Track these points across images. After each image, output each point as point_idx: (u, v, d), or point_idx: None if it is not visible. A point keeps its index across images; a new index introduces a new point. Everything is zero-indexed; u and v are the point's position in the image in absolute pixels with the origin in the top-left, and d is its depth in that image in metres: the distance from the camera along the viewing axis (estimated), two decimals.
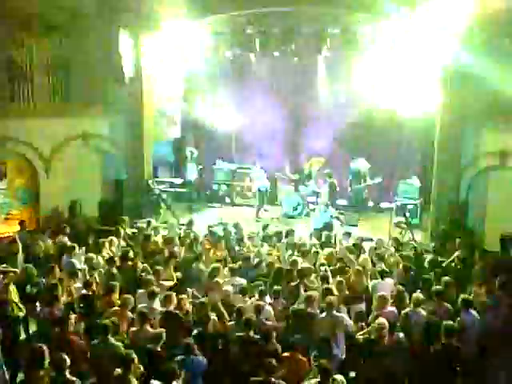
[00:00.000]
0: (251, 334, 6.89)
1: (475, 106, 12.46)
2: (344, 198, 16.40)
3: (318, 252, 10.26)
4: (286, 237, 11.47)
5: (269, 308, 7.72)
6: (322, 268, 9.18)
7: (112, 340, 6.46)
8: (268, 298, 8.12)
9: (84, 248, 10.34)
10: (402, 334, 7.02)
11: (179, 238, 11.53)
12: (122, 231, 11.73)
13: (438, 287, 8.08)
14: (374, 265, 9.78)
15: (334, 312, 7.35)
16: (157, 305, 7.62)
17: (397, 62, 14.85)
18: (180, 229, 12.86)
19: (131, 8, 13.94)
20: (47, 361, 5.68)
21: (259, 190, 16.13)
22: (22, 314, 7.58)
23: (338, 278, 8.66)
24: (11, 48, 12.75)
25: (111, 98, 14.73)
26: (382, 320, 6.95)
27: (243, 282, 8.77)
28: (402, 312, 7.59)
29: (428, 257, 10.64)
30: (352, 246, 10.76)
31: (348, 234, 11.74)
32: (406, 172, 16.34)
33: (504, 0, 11.61)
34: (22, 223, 11.87)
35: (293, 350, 6.57)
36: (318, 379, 5.91)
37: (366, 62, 15.20)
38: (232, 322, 7.37)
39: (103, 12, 13.39)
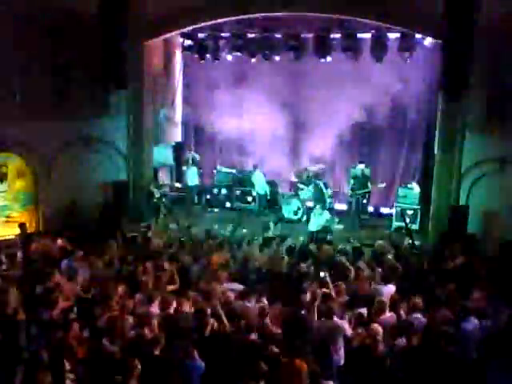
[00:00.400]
0: (252, 337, 6.88)
1: (475, 112, 12.47)
2: (344, 203, 16.42)
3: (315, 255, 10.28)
4: (284, 241, 11.49)
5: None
6: (322, 273, 9.16)
7: (110, 344, 6.45)
8: (265, 302, 8.12)
9: (83, 251, 10.32)
10: (403, 340, 7.02)
11: (179, 241, 11.54)
12: (121, 234, 11.76)
13: (437, 293, 8.08)
14: (373, 269, 9.78)
15: (334, 318, 7.34)
16: (155, 308, 7.61)
17: (397, 66, 14.94)
18: (180, 232, 12.87)
19: (133, 10, 13.99)
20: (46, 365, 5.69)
21: (259, 195, 16.13)
22: (22, 318, 7.56)
23: (338, 283, 8.67)
24: (12, 50, 12.74)
25: (112, 100, 14.79)
26: (375, 326, 6.95)
27: (241, 286, 8.77)
28: (402, 318, 7.60)
29: (427, 262, 10.67)
30: (351, 251, 10.78)
31: (347, 240, 11.76)
32: (406, 177, 16.36)
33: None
34: (22, 226, 11.89)
35: (292, 356, 6.55)
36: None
37: (366, 66, 15.25)
38: (232, 326, 7.37)
39: (104, 13, 13.39)
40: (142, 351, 6.44)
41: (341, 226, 14.99)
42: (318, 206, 14.09)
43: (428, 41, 13.64)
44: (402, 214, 14.18)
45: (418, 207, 14.75)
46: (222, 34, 16.05)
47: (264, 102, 16.28)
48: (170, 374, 6.20)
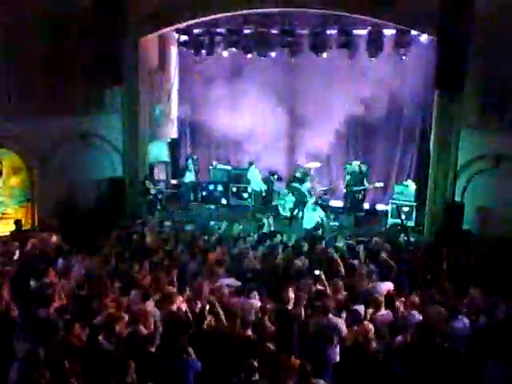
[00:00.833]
0: (248, 334, 6.89)
1: (470, 109, 12.49)
2: (339, 200, 16.43)
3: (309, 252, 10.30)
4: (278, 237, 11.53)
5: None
6: (317, 271, 9.17)
7: (105, 342, 6.44)
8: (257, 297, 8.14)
9: (79, 248, 10.31)
10: (399, 338, 7.04)
11: (175, 238, 11.54)
12: (117, 231, 11.74)
13: (433, 290, 8.11)
14: (368, 266, 9.79)
15: (330, 316, 7.35)
16: (150, 306, 7.60)
17: (393, 63, 14.95)
18: (176, 229, 12.86)
19: (128, 6, 13.94)
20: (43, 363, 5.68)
21: (255, 191, 16.12)
22: (14, 314, 7.51)
23: (335, 280, 8.68)
24: (8, 46, 12.69)
25: (108, 97, 14.75)
26: (366, 323, 6.96)
27: (237, 283, 8.77)
28: (398, 315, 7.61)
29: (423, 259, 10.70)
30: (345, 248, 10.81)
31: (343, 236, 11.77)
32: (402, 174, 16.38)
33: None
34: (17, 222, 11.85)
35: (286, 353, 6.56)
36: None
37: (362, 62, 15.25)
38: (228, 323, 7.37)
39: (99, 9, 13.34)
40: (137, 348, 6.44)
41: (336, 223, 15.01)
42: (310, 203, 14.13)
43: (424, 37, 13.62)
44: (397, 211, 14.20)
45: (414, 204, 14.78)
46: (218, 30, 16.00)
47: (260, 98, 16.26)
48: (165, 371, 6.20)
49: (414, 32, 13.75)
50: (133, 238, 11.37)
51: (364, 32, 14.48)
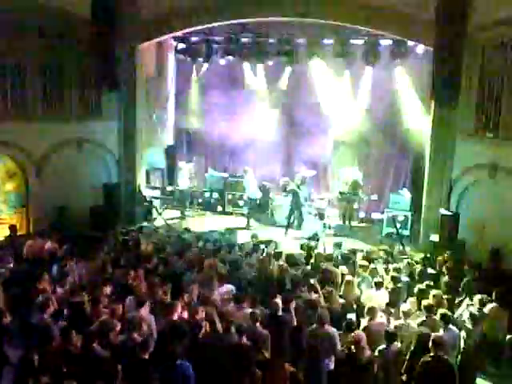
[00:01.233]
0: (243, 341, 6.88)
1: (466, 119, 12.56)
2: (335, 208, 16.45)
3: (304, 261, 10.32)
4: (272, 246, 11.53)
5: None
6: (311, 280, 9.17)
7: (99, 348, 6.42)
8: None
9: (74, 254, 10.25)
10: (399, 344, 7.02)
11: (170, 245, 11.51)
12: (112, 237, 11.71)
13: (428, 300, 8.11)
14: (361, 275, 9.80)
15: (326, 326, 7.35)
16: (145, 313, 7.57)
17: (390, 73, 15.04)
18: (171, 235, 12.84)
19: (126, 13, 14.00)
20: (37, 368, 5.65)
21: (250, 199, 16.13)
22: (7, 320, 7.44)
23: (326, 288, 8.68)
24: (4, 51, 12.69)
25: (104, 103, 14.77)
26: (358, 332, 6.97)
27: (233, 288, 8.76)
28: (392, 324, 7.62)
29: (418, 268, 10.70)
30: (340, 257, 10.82)
31: (338, 245, 11.77)
32: (397, 183, 16.43)
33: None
34: (12, 228, 11.80)
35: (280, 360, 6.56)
36: None
37: (360, 73, 15.35)
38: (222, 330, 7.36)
39: (97, 16, 13.38)
40: (130, 355, 6.41)
41: (331, 231, 15.02)
42: (306, 210, 14.18)
43: (420, 48, 13.72)
44: (393, 220, 14.23)
45: (409, 213, 14.82)
46: (215, 38, 16.11)
47: (256, 106, 16.33)
48: (158, 376, 6.18)
49: (410, 42, 13.85)
50: (128, 245, 11.33)
51: (361, 42, 14.59)
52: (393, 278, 9.38)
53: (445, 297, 8.60)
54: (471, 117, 12.50)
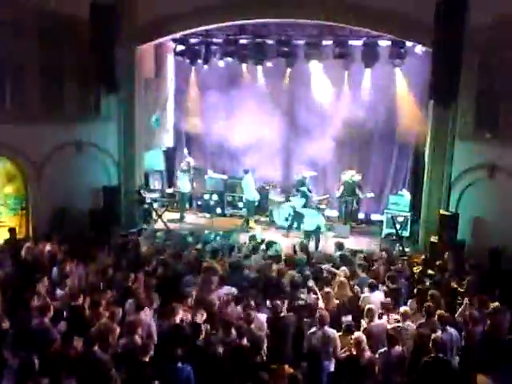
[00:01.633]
0: (243, 343, 6.88)
1: (465, 120, 12.57)
2: (335, 209, 16.46)
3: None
4: (272, 247, 11.54)
5: (262, 317, 7.74)
6: (310, 283, 9.18)
7: (99, 351, 6.41)
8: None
9: (74, 257, 10.25)
10: (399, 348, 7.02)
11: (170, 247, 11.52)
12: (112, 240, 11.72)
13: (427, 301, 8.11)
14: (361, 276, 9.80)
15: (326, 327, 7.35)
16: (144, 316, 7.57)
17: (388, 73, 15.05)
18: (170, 238, 12.85)
19: (125, 15, 14.00)
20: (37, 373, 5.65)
21: (248, 201, 16.12)
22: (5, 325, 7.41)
23: (326, 290, 8.68)
24: (3, 53, 12.70)
25: (104, 105, 14.78)
26: (358, 334, 6.97)
27: (234, 290, 8.76)
28: (392, 325, 7.61)
29: (418, 269, 10.72)
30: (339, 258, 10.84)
31: (339, 246, 11.76)
32: (396, 184, 16.43)
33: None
34: (11, 231, 11.79)
35: (280, 363, 6.56)
36: None
37: (358, 73, 15.36)
38: (221, 333, 7.36)
39: (96, 18, 13.39)
40: (130, 358, 6.42)
41: (331, 233, 15.02)
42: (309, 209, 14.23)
43: (419, 48, 13.73)
44: (392, 221, 14.24)
45: (409, 214, 14.82)
46: (214, 40, 16.11)
47: (256, 108, 16.33)
48: (158, 379, 6.18)
49: (408, 43, 13.86)
50: (127, 247, 11.33)
51: (359, 43, 14.60)
52: (393, 279, 9.37)
53: (445, 297, 8.61)
54: (470, 117, 12.51)
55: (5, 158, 13.24)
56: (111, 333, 6.67)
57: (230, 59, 16.24)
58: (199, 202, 17.50)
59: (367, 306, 7.91)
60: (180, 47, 16.89)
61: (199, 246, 11.67)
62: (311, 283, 8.96)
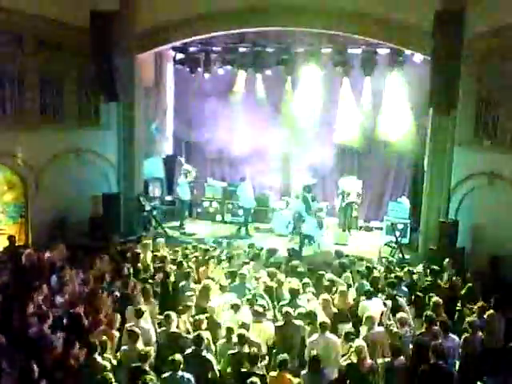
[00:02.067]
0: (245, 350, 6.87)
1: (464, 127, 12.60)
2: (334, 217, 16.46)
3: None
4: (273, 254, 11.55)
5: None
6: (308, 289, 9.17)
7: (99, 359, 6.40)
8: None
9: (73, 265, 10.25)
10: (403, 359, 6.99)
11: (170, 255, 11.51)
12: (111, 247, 11.71)
13: (427, 310, 8.11)
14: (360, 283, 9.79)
15: (327, 334, 7.33)
16: (144, 323, 7.55)
17: (387, 81, 15.10)
18: (170, 245, 12.84)
19: (124, 23, 14.06)
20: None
21: (244, 208, 16.12)
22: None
23: (325, 296, 8.67)
24: (3, 61, 12.73)
25: (103, 113, 14.81)
26: (359, 342, 6.95)
27: (234, 297, 8.75)
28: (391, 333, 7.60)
29: (417, 276, 10.70)
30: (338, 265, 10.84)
31: (339, 254, 11.77)
32: (396, 191, 16.44)
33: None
34: (11, 238, 11.78)
35: (281, 370, 6.54)
36: None
37: (357, 80, 15.41)
38: (223, 340, 7.35)
39: (96, 27, 13.44)
40: (131, 365, 6.40)
41: (331, 239, 15.01)
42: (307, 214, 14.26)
43: (418, 57, 13.77)
44: (392, 228, 14.24)
45: (408, 221, 14.82)
46: (214, 48, 16.17)
47: (255, 115, 16.35)
48: None
49: (407, 51, 13.91)
50: (127, 255, 11.32)
51: (358, 51, 14.65)
52: (392, 286, 9.36)
53: (444, 305, 8.59)
54: (469, 125, 12.54)
55: (5, 166, 13.23)
56: (110, 340, 6.66)
57: (229, 67, 16.30)
58: (199, 210, 17.51)
59: (366, 314, 7.89)
60: (180, 55, 16.96)
61: (198, 254, 11.63)
62: (309, 291, 8.96)
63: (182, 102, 18.11)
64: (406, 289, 9.60)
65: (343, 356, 7.29)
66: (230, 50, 15.83)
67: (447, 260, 10.97)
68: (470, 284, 9.66)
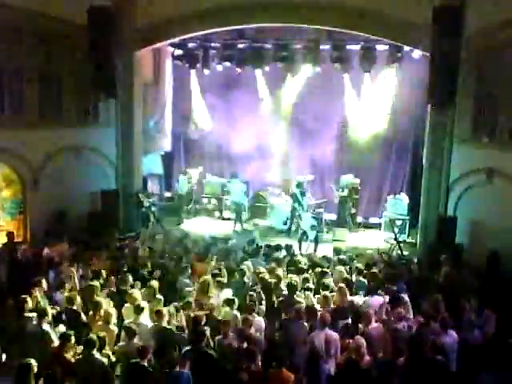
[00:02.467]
0: (244, 346, 6.88)
1: (462, 124, 12.60)
2: (333, 213, 16.47)
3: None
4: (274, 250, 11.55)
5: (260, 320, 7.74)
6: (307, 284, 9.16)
7: (97, 355, 6.40)
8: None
9: (71, 261, 10.24)
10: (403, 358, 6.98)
11: (168, 251, 11.51)
12: (110, 244, 11.70)
13: (426, 306, 8.12)
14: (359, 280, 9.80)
15: (327, 329, 7.34)
16: (143, 319, 7.55)
17: (386, 78, 15.10)
18: (168, 242, 12.83)
19: (123, 20, 14.03)
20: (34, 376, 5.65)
21: (236, 204, 16.11)
22: None
23: (324, 293, 8.67)
24: (2, 59, 12.71)
25: (102, 110, 14.79)
26: (358, 338, 6.96)
27: (230, 293, 8.75)
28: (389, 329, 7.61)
29: (415, 273, 10.71)
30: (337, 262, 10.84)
31: (337, 251, 11.77)
32: (395, 188, 16.45)
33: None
34: (9, 235, 11.77)
35: (280, 366, 6.53)
36: None
37: (356, 77, 15.40)
38: (220, 336, 7.35)
39: (94, 24, 13.41)
40: (129, 361, 6.41)
41: (330, 236, 15.03)
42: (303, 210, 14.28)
43: (416, 53, 13.76)
44: (391, 224, 14.25)
45: (407, 217, 14.83)
46: (212, 44, 16.15)
47: (254, 112, 16.35)
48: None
49: (406, 47, 13.89)
50: (125, 251, 11.32)
51: (357, 47, 14.64)
52: (391, 282, 9.37)
53: (442, 300, 8.60)
54: (468, 121, 12.54)
55: (3, 163, 13.21)
56: (109, 336, 6.66)
57: (228, 63, 16.28)
58: (197, 206, 17.52)
59: (364, 310, 7.90)
60: (178, 52, 16.94)
61: (197, 250, 11.63)
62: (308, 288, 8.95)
63: (181, 99, 18.08)
64: (404, 285, 9.61)
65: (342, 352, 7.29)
66: (229, 46, 15.81)
67: (444, 256, 10.98)
68: (467, 280, 9.67)
